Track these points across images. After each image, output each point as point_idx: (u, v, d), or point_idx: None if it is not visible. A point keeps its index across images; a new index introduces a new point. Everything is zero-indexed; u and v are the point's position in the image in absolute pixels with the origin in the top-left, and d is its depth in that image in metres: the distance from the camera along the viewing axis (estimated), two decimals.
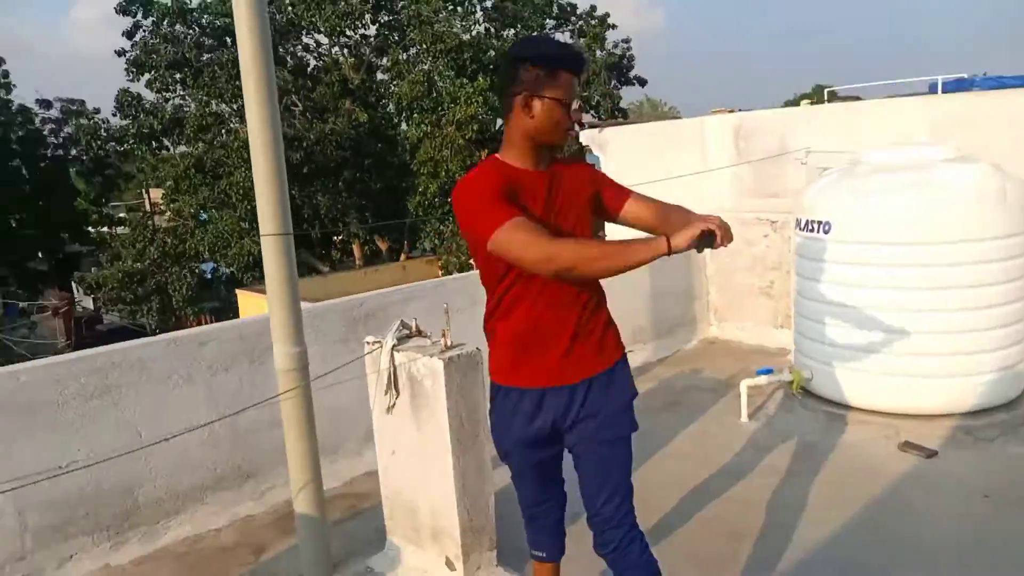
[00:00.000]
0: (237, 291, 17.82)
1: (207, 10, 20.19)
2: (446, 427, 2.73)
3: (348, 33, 20.55)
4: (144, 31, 20.15)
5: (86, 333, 22.68)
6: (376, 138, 20.15)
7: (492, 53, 18.99)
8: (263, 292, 2.90)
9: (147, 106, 20.10)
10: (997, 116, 5.39)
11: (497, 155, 2.18)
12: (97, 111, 23.50)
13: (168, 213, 21.82)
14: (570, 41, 21.61)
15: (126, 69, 19.93)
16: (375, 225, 20.45)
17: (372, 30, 21.04)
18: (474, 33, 20.38)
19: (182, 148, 20.63)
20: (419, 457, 2.89)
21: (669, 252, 1.90)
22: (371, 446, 3.16)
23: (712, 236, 1.93)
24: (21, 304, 25.14)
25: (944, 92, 7.35)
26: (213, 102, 19.46)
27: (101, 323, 25.21)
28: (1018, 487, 3.56)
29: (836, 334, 4.51)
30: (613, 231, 4.10)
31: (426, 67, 18.87)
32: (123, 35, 20.11)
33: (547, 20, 22.19)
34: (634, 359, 5.07)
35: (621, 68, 22.10)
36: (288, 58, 20.84)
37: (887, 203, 4.26)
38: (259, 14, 2.69)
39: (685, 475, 3.86)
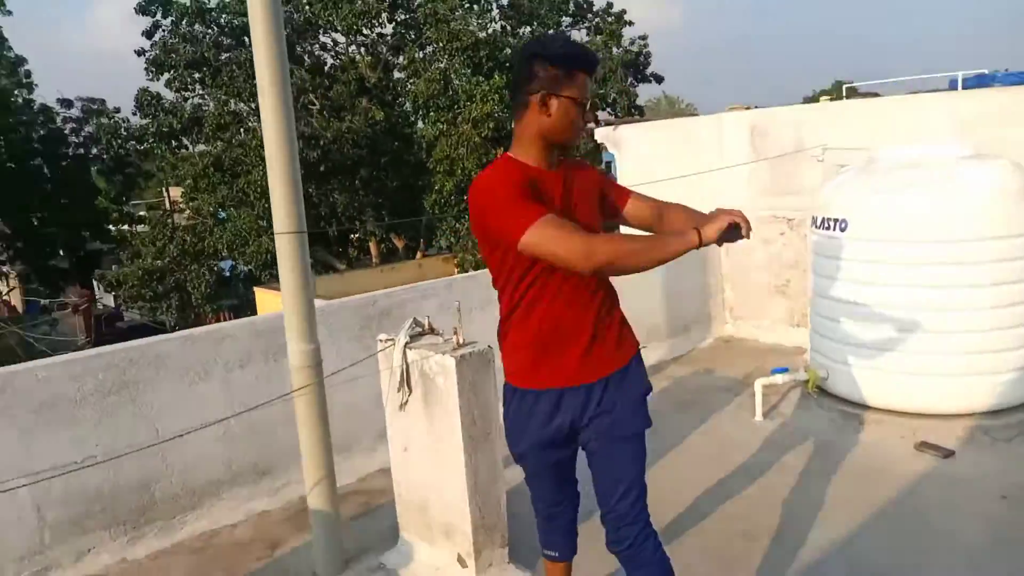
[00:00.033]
0: (255, 289, 17.95)
1: (225, 9, 20.32)
2: (458, 424, 2.74)
3: (365, 32, 20.60)
4: (163, 31, 20.31)
5: (106, 330, 22.91)
6: (392, 136, 20.20)
7: (508, 51, 18.96)
8: (280, 290, 2.92)
9: (166, 105, 20.26)
10: (1019, 112, 5.31)
11: (509, 154, 2.16)
12: (117, 110, 23.72)
13: (187, 211, 21.99)
14: (586, 39, 21.56)
15: (146, 68, 20.09)
16: (391, 223, 20.49)
17: (389, 29, 21.08)
18: (490, 31, 20.36)
19: (201, 147, 20.79)
20: (431, 454, 2.91)
21: (700, 244, 1.96)
22: (385, 443, 3.18)
23: (737, 228, 2.00)
24: (43, 301, 25.46)
25: (965, 88, 7.27)
26: (231, 101, 19.60)
27: (121, 320, 25.45)
28: None
29: (852, 333, 4.47)
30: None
31: (442, 65, 18.88)
32: (143, 34, 20.30)
33: (563, 17, 22.12)
34: (649, 357, 5.06)
35: (638, 65, 21.98)
36: (306, 57, 20.94)
37: (904, 201, 4.22)
38: (274, 15, 2.71)
39: (699, 474, 3.85)
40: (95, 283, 25.99)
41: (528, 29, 20.97)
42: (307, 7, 19.96)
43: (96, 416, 3.25)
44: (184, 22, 20.03)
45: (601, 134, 8.02)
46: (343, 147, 18.43)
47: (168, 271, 20.26)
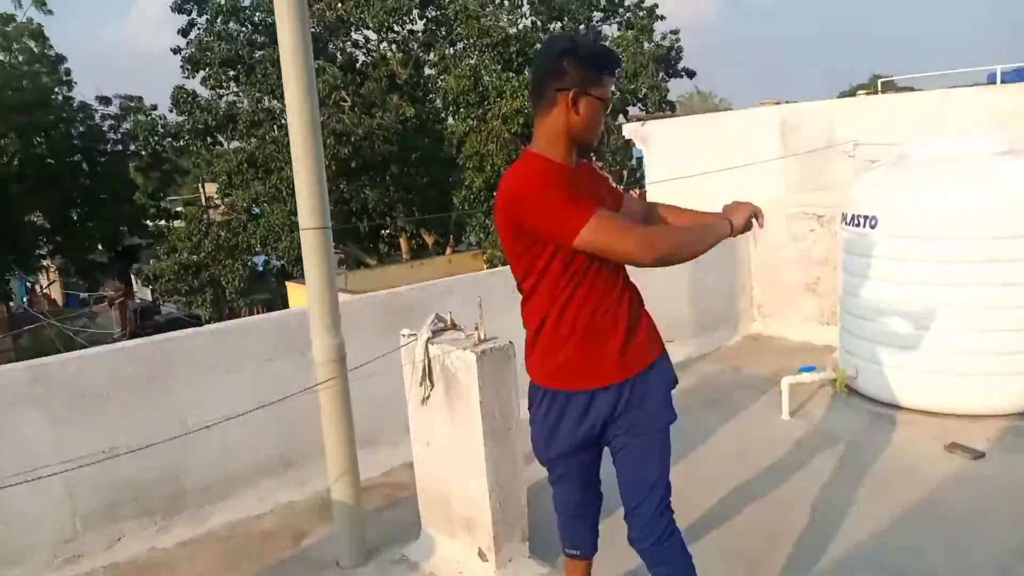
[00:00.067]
0: (287, 283, 18.20)
1: (259, 7, 20.58)
2: (479, 419, 2.75)
3: (396, 29, 20.74)
4: (199, 29, 20.66)
5: (143, 323, 23.39)
6: (423, 132, 20.33)
7: (538, 46, 18.95)
8: None
9: (202, 103, 20.62)
10: None
11: (536, 151, 2.13)
12: (154, 107, 24.17)
13: (222, 207, 22.35)
14: (617, 33, 21.45)
15: (182, 66, 20.47)
16: (422, 219, 20.61)
17: (419, 25, 21.21)
18: (520, 27, 20.37)
19: (235, 143, 21.11)
20: (453, 448, 2.93)
21: (732, 234, 2.15)
22: (409, 437, 3.21)
23: (751, 219, 2.21)
24: (82, 295, 26.05)
25: (1004, 82, 7.12)
26: (265, 98, 19.89)
27: (159, 313, 25.97)
28: None
29: (882, 331, 4.40)
30: None
31: (472, 61, 18.95)
32: (179, 33, 20.65)
33: (594, 12, 22.04)
34: (676, 355, 5.01)
35: (669, 60, 21.82)
36: (338, 54, 21.15)
37: (936, 197, 4.15)
38: (300, 14, 2.75)
39: (724, 473, 3.82)
40: (133, 277, 26.50)
41: (559, 24, 20.91)
42: (339, 5, 20.14)
43: (127, 407, 3.32)
44: (219, 20, 20.34)
45: (629, 130, 7.99)
46: (374, 143, 18.59)
47: (203, 266, 20.62)
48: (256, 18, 20.73)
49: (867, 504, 3.43)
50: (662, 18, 21.53)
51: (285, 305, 17.37)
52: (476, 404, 2.75)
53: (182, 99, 20.41)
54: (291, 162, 2.90)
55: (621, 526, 2.31)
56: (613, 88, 2.18)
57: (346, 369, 3.01)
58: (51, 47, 24.36)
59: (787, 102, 7.47)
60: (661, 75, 21.39)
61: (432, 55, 20.73)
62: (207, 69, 20.29)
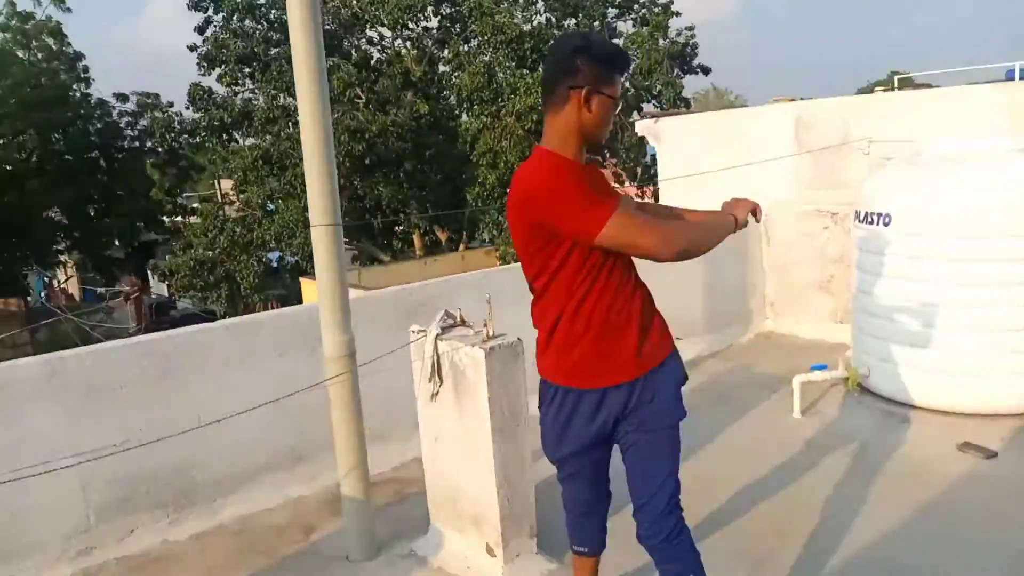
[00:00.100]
0: (301, 279, 18.28)
1: (275, 5, 20.66)
2: (487, 416, 2.77)
3: (410, 26, 20.75)
4: (215, 26, 20.76)
5: (159, 318, 23.59)
6: (437, 129, 20.34)
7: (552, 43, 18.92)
8: None
9: (218, 100, 20.72)
10: None
11: (549, 149, 2.11)
12: (171, 104, 24.33)
13: (237, 203, 22.47)
14: (632, 30, 21.36)
15: (198, 64, 20.58)
16: (435, 215, 20.64)
17: (434, 22, 21.20)
18: (535, 23, 20.33)
19: (250, 140, 21.21)
20: (461, 444, 2.94)
21: (736, 228, 2.23)
22: (418, 433, 3.22)
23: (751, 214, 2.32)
24: (99, 290, 26.29)
25: (1022, 79, 7.04)
26: (280, 95, 19.95)
27: (175, 308, 26.18)
28: None
29: (895, 330, 4.38)
30: None
31: (486, 58, 18.93)
32: (195, 30, 20.77)
33: (609, 8, 21.95)
34: (687, 352, 5.00)
35: (684, 56, 21.69)
36: (352, 51, 21.19)
37: (950, 195, 4.12)
38: (312, 13, 2.76)
39: (734, 471, 3.82)
40: (149, 273, 26.72)
41: (573, 21, 20.85)
42: (354, 2, 20.18)
43: (140, 401, 3.36)
44: (235, 18, 20.43)
45: (642, 127, 7.96)
46: (388, 140, 18.62)
47: (218, 261, 20.74)
48: (272, 15, 20.80)
49: (878, 503, 3.42)
50: (677, 14, 21.40)
51: (299, 301, 17.45)
52: (484, 400, 2.76)
53: (198, 96, 20.52)
54: None
55: (629, 523, 2.31)
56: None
57: (356, 365, 3.03)
58: (69, 44, 24.61)
59: (802, 99, 7.43)
60: (676, 71, 21.27)
61: (446, 52, 20.74)
62: (223, 66, 20.38)
